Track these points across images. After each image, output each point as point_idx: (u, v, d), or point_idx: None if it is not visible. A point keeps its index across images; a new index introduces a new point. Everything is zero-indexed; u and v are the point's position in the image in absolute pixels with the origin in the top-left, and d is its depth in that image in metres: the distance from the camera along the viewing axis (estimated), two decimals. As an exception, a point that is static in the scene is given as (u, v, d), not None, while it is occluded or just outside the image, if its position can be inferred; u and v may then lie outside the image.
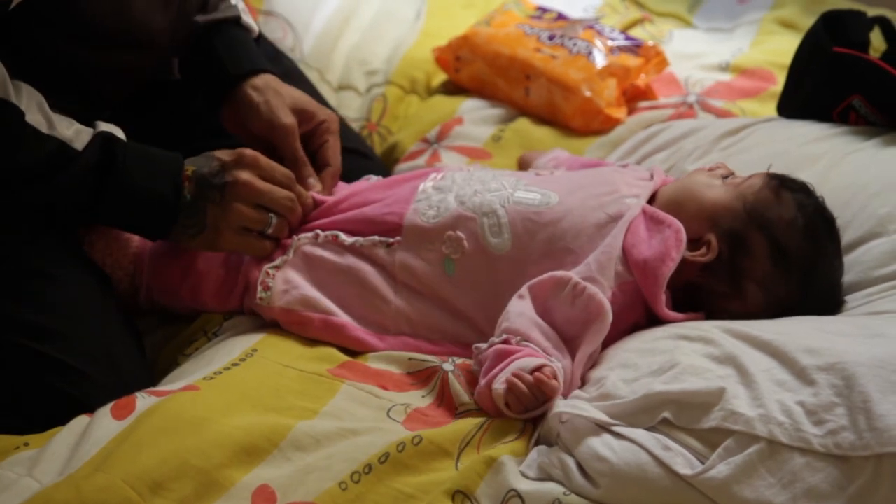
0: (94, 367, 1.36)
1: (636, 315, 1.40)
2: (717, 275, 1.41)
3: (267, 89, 1.52)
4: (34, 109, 1.30)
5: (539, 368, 1.27)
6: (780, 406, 1.18)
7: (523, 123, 1.90)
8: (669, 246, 1.38)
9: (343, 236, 1.46)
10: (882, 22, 1.78)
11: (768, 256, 1.39)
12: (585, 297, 1.34)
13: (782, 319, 1.34)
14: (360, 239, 1.45)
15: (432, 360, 1.39)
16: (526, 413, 1.28)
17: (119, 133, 1.39)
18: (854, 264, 1.45)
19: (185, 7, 1.49)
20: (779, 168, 1.49)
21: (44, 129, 1.31)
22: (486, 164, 1.79)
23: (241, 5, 1.59)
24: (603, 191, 1.45)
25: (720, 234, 1.41)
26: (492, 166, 1.77)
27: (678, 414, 1.21)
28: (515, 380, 1.26)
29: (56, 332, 1.35)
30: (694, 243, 1.40)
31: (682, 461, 1.18)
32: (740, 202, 1.42)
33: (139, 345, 1.46)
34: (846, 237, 1.47)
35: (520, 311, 1.34)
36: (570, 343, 1.34)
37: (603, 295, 1.34)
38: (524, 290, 1.36)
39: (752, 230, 1.40)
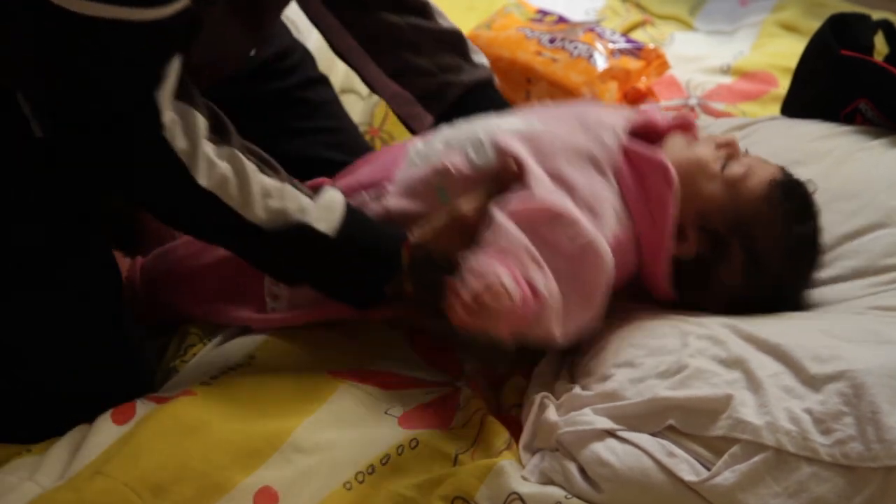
0: (98, 374, 1.36)
1: (622, 274, 1.34)
2: (690, 268, 1.37)
3: None
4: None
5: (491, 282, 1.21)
6: (788, 414, 1.17)
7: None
8: (664, 192, 1.33)
9: None
10: (885, 26, 1.78)
11: (744, 269, 1.36)
12: (585, 243, 1.28)
13: (790, 320, 1.33)
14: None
15: (445, 378, 1.38)
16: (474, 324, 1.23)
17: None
18: (861, 251, 1.44)
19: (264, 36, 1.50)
20: (786, 162, 1.47)
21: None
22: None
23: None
24: (586, 122, 1.39)
25: (703, 231, 1.36)
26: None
27: (684, 420, 1.20)
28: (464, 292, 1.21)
29: (60, 341, 1.35)
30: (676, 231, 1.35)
31: (687, 468, 1.18)
32: (733, 207, 1.35)
33: (142, 351, 1.46)
34: (853, 224, 1.46)
35: (508, 229, 1.28)
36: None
37: (605, 243, 1.29)
38: (506, 212, 1.29)
39: (736, 241, 1.36)
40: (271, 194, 1.28)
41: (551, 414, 1.28)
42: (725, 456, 1.17)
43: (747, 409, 1.18)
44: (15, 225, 1.33)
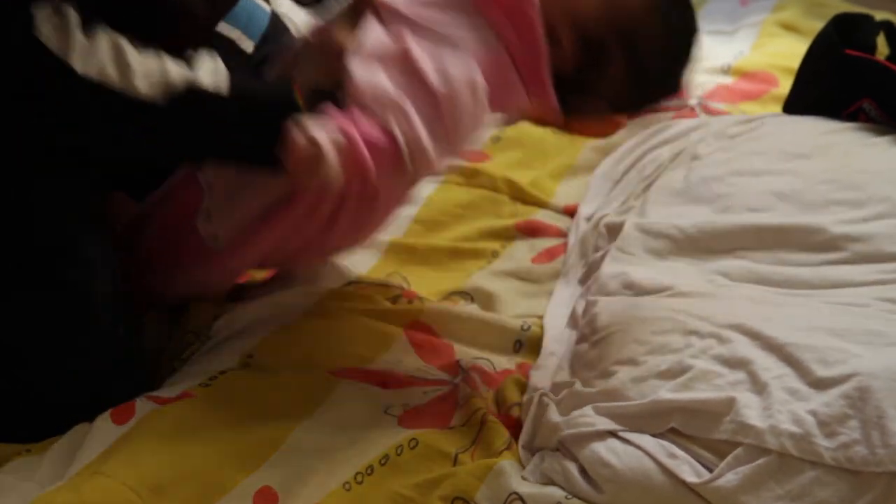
0: (96, 374, 1.36)
1: (506, 96, 1.30)
2: (571, 78, 1.31)
3: None
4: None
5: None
6: (792, 416, 1.16)
7: (524, 125, 1.89)
8: (524, 7, 1.27)
9: None
10: (887, 26, 1.79)
11: (625, 79, 1.31)
12: (448, 73, 1.24)
13: (796, 319, 1.31)
14: None
15: (444, 376, 1.38)
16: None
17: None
18: (868, 237, 1.44)
19: None
20: (790, 152, 1.47)
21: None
22: (485, 165, 1.79)
23: None
24: None
25: (578, 38, 1.29)
26: (491, 167, 1.77)
27: (686, 423, 1.20)
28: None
29: (58, 341, 1.35)
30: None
31: (689, 469, 1.17)
32: (613, 12, 1.29)
33: (141, 351, 1.46)
34: (861, 213, 1.47)
35: (368, 78, 1.27)
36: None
37: (470, 68, 1.26)
38: (364, 56, 1.28)
39: (615, 46, 1.30)
40: (152, 67, 1.26)
41: (552, 414, 1.27)
42: (728, 458, 1.16)
43: (751, 411, 1.17)
44: (14, 225, 1.33)
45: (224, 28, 1.59)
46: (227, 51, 1.60)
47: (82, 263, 1.37)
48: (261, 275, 1.60)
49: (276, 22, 1.71)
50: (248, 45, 1.64)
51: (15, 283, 1.33)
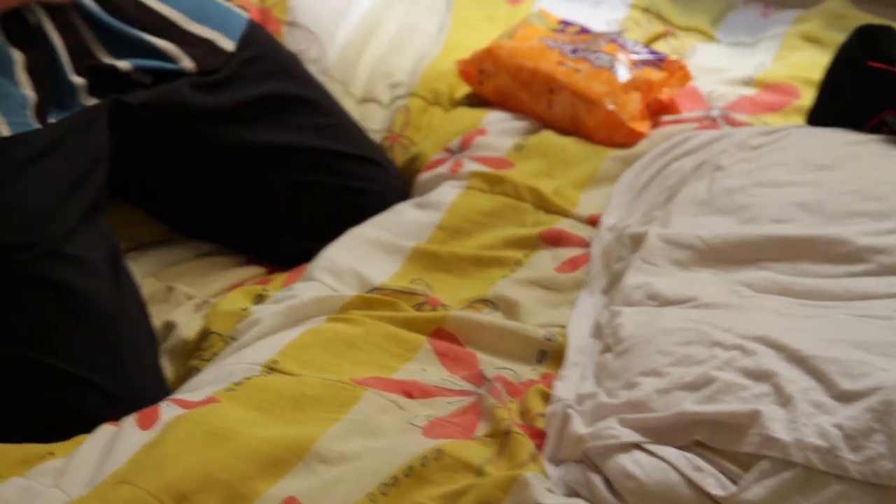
0: (105, 379, 1.36)
1: None
2: None
3: None
4: None
5: None
6: (818, 430, 1.16)
7: (547, 134, 1.90)
8: None
9: None
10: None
11: None
12: None
13: (820, 330, 1.30)
14: None
15: (468, 387, 1.38)
16: None
17: None
18: (892, 249, 1.43)
19: None
20: (813, 163, 1.46)
21: None
22: (508, 173, 1.79)
23: None
24: None
25: None
26: (514, 175, 1.76)
27: (711, 436, 1.20)
28: None
29: (64, 344, 1.35)
30: None
31: (714, 482, 1.17)
32: None
33: (154, 354, 1.46)
34: (885, 225, 1.46)
35: None
36: None
37: None
38: None
39: None
40: None
41: (577, 426, 1.27)
42: (754, 471, 1.16)
43: (776, 423, 1.17)
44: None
45: (196, 28, 1.60)
46: (205, 50, 1.61)
47: (87, 264, 1.38)
48: (280, 278, 1.61)
49: (254, 26, 1.72)
50: (228, 45, 1.64)
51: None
